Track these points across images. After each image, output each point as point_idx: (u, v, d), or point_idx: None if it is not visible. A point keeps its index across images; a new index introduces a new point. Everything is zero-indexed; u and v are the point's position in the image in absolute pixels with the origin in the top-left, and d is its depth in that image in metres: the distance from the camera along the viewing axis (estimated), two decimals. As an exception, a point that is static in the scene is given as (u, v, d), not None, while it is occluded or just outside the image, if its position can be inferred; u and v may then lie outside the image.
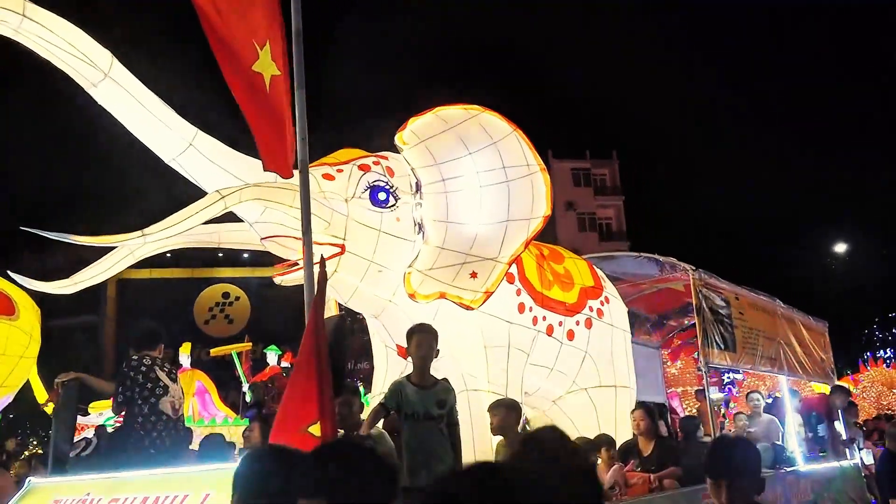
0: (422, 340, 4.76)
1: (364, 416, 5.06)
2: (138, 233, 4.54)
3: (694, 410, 12.32)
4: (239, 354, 15.20)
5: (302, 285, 4.10)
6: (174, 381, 5.27)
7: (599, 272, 7.33)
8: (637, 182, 46.76)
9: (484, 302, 5.48)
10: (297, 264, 5.41)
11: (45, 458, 5.28)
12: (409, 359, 4.89)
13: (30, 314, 9.45)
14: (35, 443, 20.27)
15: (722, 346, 7.52)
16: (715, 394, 15.30)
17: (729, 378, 17.53)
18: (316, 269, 3.92)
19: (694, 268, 7.72)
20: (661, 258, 8.15)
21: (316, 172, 5.39)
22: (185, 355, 15.04)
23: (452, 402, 4.77)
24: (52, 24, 4.48)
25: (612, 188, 44.71)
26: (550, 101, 57.78)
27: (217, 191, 4.65)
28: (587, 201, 43.70)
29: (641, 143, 58.74)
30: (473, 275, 5.51)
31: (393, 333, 5.82)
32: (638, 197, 44.80)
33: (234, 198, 4.66)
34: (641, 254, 8.37)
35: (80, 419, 8.43)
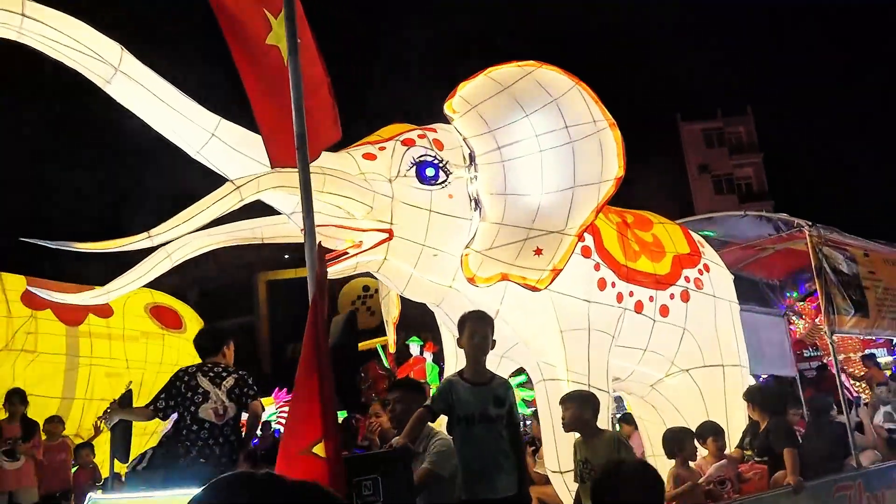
0: (475, 330, 4.15)
1: None
2: (144, 234, 4.20)
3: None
4: (383, 346, 15.40)
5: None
6: (217, 385, 4.97)
7: (697, 237, 6.46)
8: (776, 136, 43.62)
9: (552, 281, 4.84)
10: (347, 253, 5.03)
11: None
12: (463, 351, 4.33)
13: (195, 326, 9.94)
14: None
15: (852, 311, 6.48)
16: (884, 357, 13.84)
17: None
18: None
19: (810, 223, 6.67)
20: (771, 215, 7.13)
21: (356, 153, 4.97)
22: None
23: (512, 400, 4.13)
24: (55, 21, 4.19)
25: (748, 145, 41.93)
26: (669, 65, 55.07)
27: (231, 181, 4.26)
28: (722, 162, 41.14)
29: (778, 94, 54.92)
30: (538, 251, 4.89)
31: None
32: (778, 153, 41.79)
33: (251, 187, 4.23)
34: (747, 212, 7.37)
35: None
